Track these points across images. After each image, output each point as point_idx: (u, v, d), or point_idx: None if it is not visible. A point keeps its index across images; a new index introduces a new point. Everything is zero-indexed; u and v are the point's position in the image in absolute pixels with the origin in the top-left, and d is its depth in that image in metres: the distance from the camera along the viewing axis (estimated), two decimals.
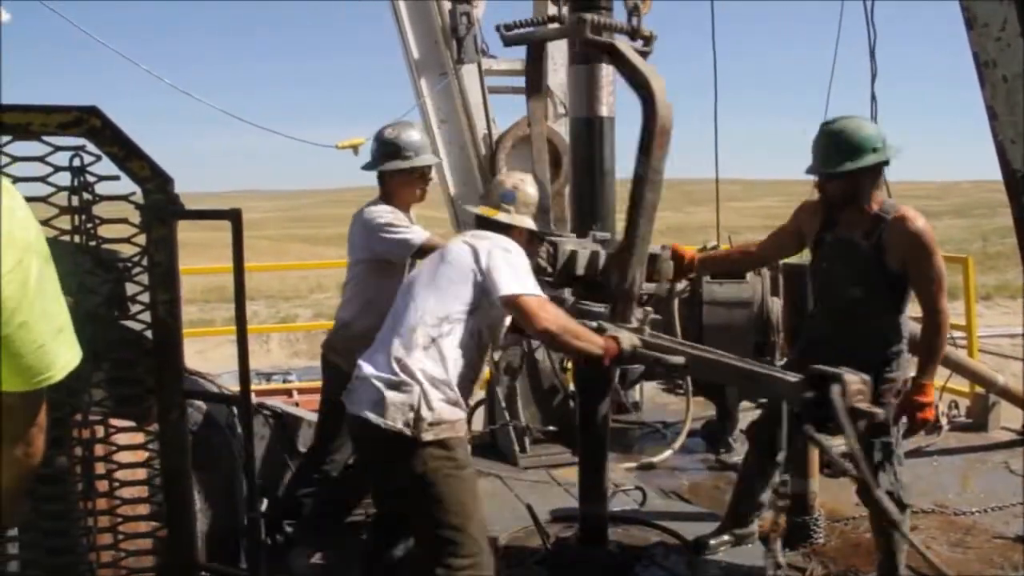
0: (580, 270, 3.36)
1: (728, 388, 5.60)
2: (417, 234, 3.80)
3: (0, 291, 1.34)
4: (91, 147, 2.08)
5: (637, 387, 6.41)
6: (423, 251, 3.78)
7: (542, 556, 3.75)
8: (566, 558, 3.72)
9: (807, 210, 3.76)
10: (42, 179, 2.07)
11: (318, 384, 4.57)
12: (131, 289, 2.21)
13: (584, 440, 3.73)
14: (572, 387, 5.02)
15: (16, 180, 1.99)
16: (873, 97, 4.59)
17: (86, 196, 2.13)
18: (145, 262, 2.15)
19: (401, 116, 5.51)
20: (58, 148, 2.07)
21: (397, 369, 2.82)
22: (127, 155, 2.07)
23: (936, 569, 3.05)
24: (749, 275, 5.19)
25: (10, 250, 1.35)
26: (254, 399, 5.30)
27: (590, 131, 3.57)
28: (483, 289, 2.90)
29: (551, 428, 5.61)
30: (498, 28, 3.92)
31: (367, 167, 4.01)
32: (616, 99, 3.64)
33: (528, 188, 3.23)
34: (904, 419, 3.57)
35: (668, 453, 5.48)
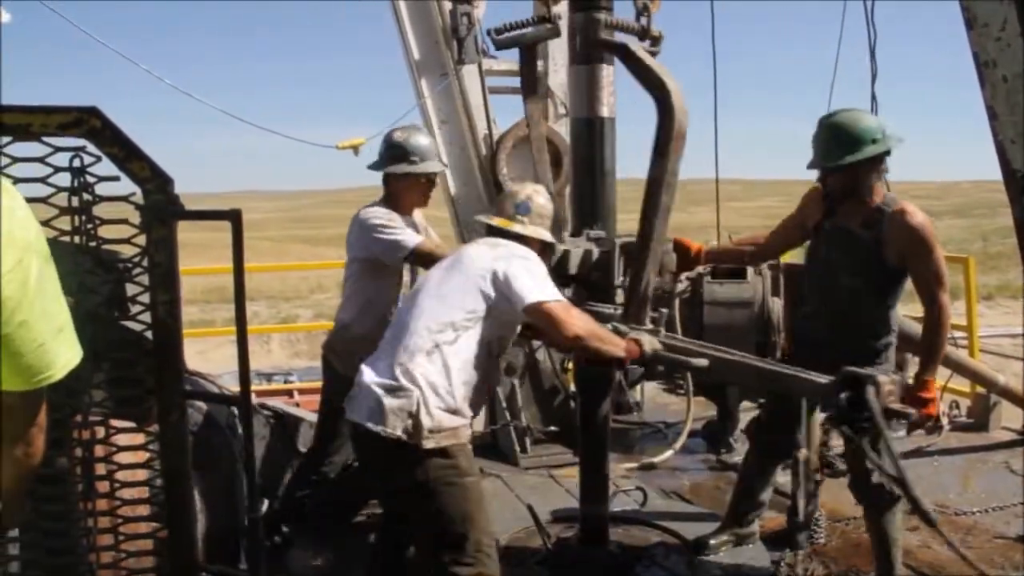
0: (573, 269, 3.37)
1: (729, 388, 5.60)
2: (410, 237, 3.80)
3: (0, 290, 1.34)
4: (91, 148, 2.08)
5: (638, 387, 6.41)
6: (416, 255, 3.78)
7: (543, 556, 3.75)
8: (567, 558, 3.73)
9: (813, 198, 3.76)
10: (42, 180, 2.07)
11: (319, 384, 4.58)
12: (131, 290, 2.20)
13: (585, 440, 3.73)
14: (573, 387, 5.02)
15: (16, 181, 1.99)
16: (873, 97, 4.59)
17: (86, 197, 2.13)
18: (145, 263, 2.15)
19: (402, 116, 5.53)
20: (58, 149, 2.06)
21: (398, 374, 2.80)
22: (127, 156, 2.06)
23: (971, 565, 3.06)
24: (750, 275, 5.19)
25: (10, 250, 1.36)
26: (255, 400, 5.33)
27: (591, 131, 3.57)
28: (498, 298, 2.86)
29: (552, 428, 5.62)
30: (489, 32, 3.93)
31: (373, 166, 4.02)
32: (616, 99, 3.64)
33: (542, 199, 3.21)
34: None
35: (669, 453, 5.48)
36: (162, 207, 2.10)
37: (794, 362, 3.36)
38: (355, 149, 5.61)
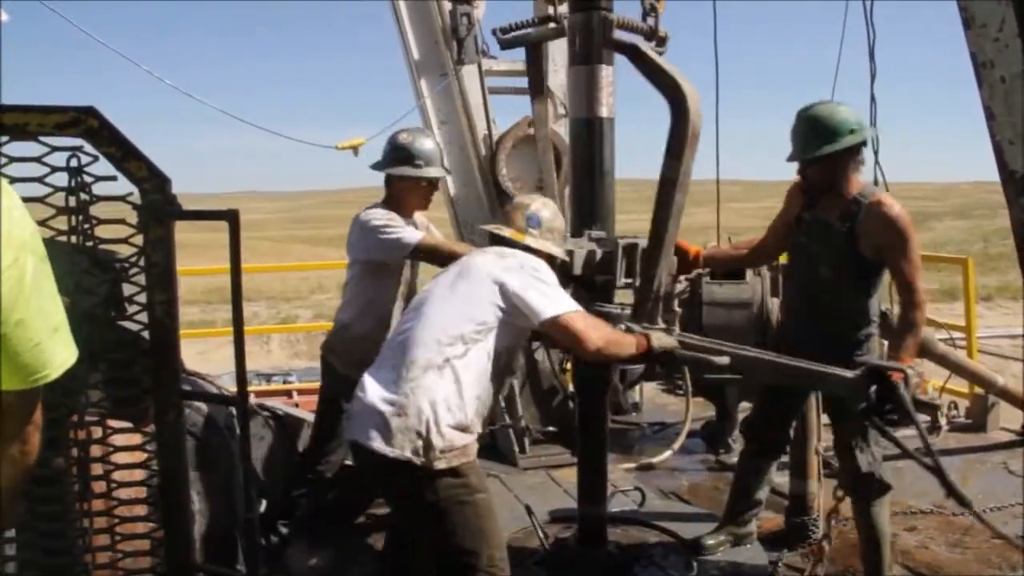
0: (577, 270, 3.37)
1: (727, 388, 5.61)
2: (411, 235, 3.81)
3: None
4: (88, 147, 2.08)
5: (637, 388, 6.41)
6: (418, 252, 3.80)
7: (541, 557, 3.75)
8: (565, 559, 3.73)
9: (795, 193, 3.81)
10: (39, 179, 2.07)
11: (318, 385, 4.58)
12: (128, 289, 2.20)
13: (583, 441, 3.73)
14: (571, 388, 5.02)
15: (13, 180, 1.99)
16: (872, 98, 4.58)
17: (83, 196, 2.13)
18: (142, 262, 2.15)
19: (401, 117, 5.54)
20: (55, 148, 2.06)
21: (406, 391, 2.67)
22: (124, 155, 2.06)
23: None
24: (749, 276, 5.19)
25: (6, 248, 1.36)
26: (254, 400, 5.33)
27: (590, 132, 3.57)
28: (510, 310, 2.78)
29: (551, 429, 5.62)
30: (494, 32, 3.93)
31: (376, 166, 4.02)
32: (616, 100, 3.64)
33: (550, 213, 3.16)
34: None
35: (667, 454, 5.48)
36: (159, 207, 2.10)
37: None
38: (355, 149, 5.61)
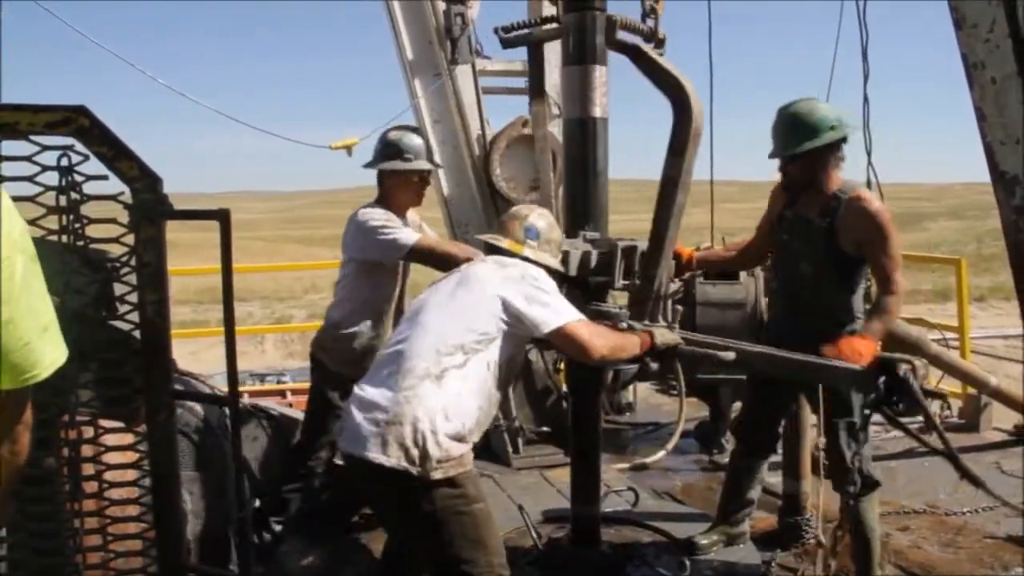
0: (572, 271, 3.37)
1: (721, 389, 5.61)
2: (407, 236, 3.82)
3: None
4: (79, 147, 2.07)
5: (630, 388, 6.42)
6: (414, 253, 3.81)
7: (534, 557, 3.75)
8: (558, 559, 3.72)
9: (778, 192, 3.85)
10: (29, 179, 2.06)
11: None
12: (119, 289, 2.20)
13: (576, 441, 3.73)
14: (565, 388, 5.02)
15: (3, 179, 1.99)
16: (866, 99, 4.58)
17: (74, 196, 2.12)
18: (133, 262, 2.14)
19: (395, 117, 5.52)
20: (46, 147, 2.05)
21: (402, 400, 2.63)
22: (115, 155, 2.06)
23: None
24: (742, 276, 5.21)
25: None
26: (248, 400, 5.32)
27: (583, 132, 3.57)
28: (511, 321, 2.76)
29: (544, 429, 5.62)
30: (496, 31, 3.94)
31: (367, 165, 4.06)
32: (609, 100, 3.64)
33: (547, 224, 3.16)
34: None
35: (661, 454, 5.49)
36: (150, 206, 2.10)
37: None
38: (349, 149, 5.60)
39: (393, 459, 2.57)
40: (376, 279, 3.94)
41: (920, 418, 3.17)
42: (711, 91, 5.76)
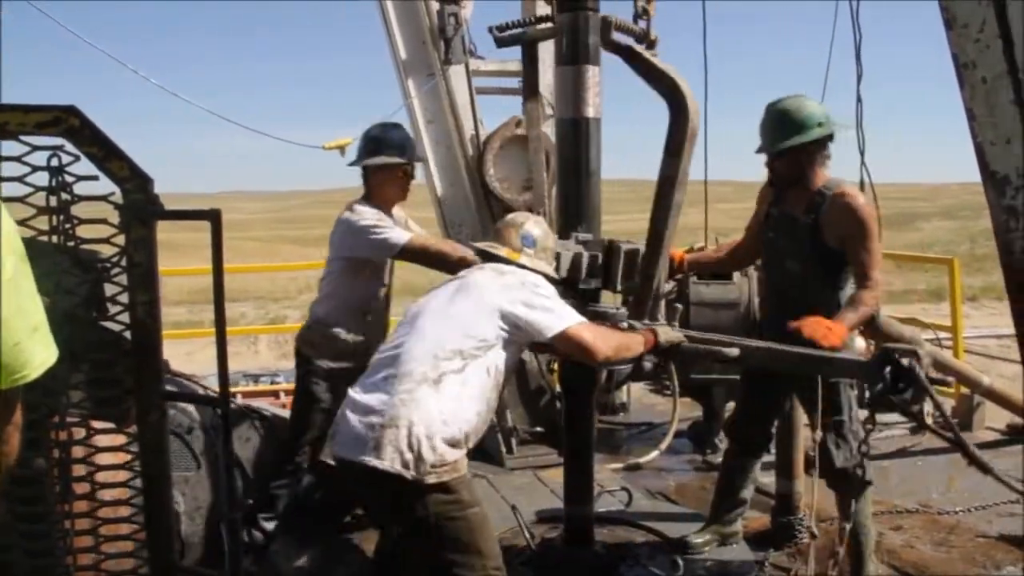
0: (563, 272, 3.37)
1: (715, 388, 5.62)
2: (400, 235, 3.83)
3: None
4: (70, 147, 2.07)
5: (624, 388, 6.42)
6: (406, 251, 3.82)
7: (528, 557, 3.74)
8: (551, 559, 3.72)
9: (765, 193, 3.87)
10: (20, 179, 2.06)
11: None
12: (110, 290, 2.19)
13: (570, 441, 3.73)
14: (558, 388, 5.02)
15: None
16: (859, 99, 4.59)
17: (64, 196, 2.12)
18: (124, 263, 2.14)
19: (389, 116, 5.51)
20: (36, 148, 2.06)
21: (397, 402, 2.62)
22: (106, 155, 2.05)
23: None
24: (736, 276, 5.21)
25: None
26: (241, 401, 5.30)
27: (576, 132, 3.57)
28: (510, 328, 2.78)
29: (538, 429, 5.62)
30: (491, 29, 3.94)
31: (352, 163, 4.10)
32: (602, 100, 3.64)
33: (542, 232, 3.17)
34: (854, 396, 3.67)
35: (655, 454, 5.49)
36: (141, 207, 2.10)
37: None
38: (342, 149, 5.59)
39: (387, 462, 2.56)
40: (362, 277, 3.96)
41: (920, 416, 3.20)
42: (706, 91, 5.77)
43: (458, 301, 2.85)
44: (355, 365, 3.95)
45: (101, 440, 2.28)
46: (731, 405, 5.59)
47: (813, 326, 3.27)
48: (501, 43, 3.99)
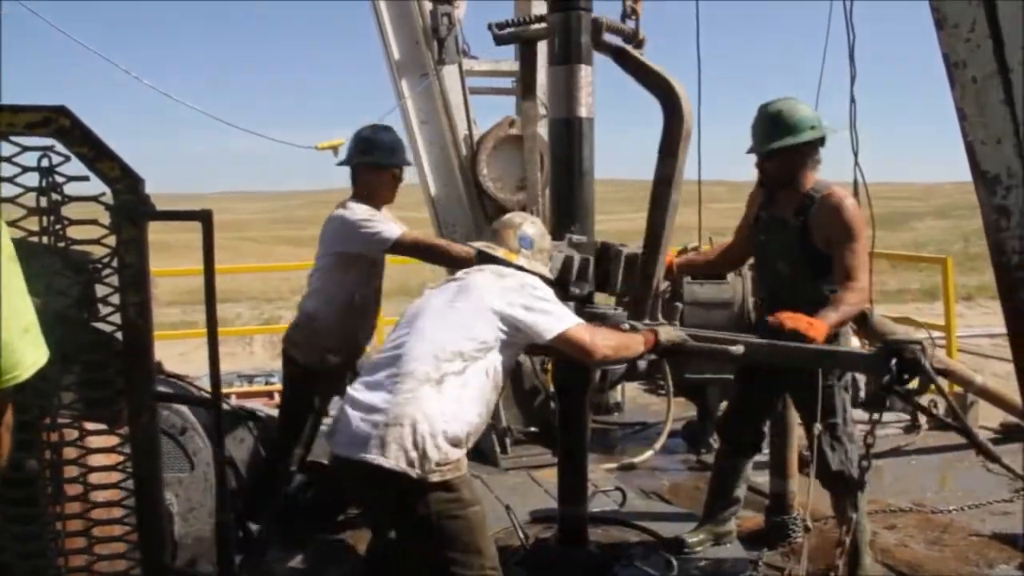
0: (553, 274, 3.38)
1: (709, 388, 5.63)
2: (392, 229, 3.84)
3: None
4: (60, 147, 2.07)
5: (618, 388, 6.42)
6: (399, 246, 3.83)
7: (522, 557, 3.74)
8: (545, 559, 3.72)
9: (755, 196, 3.89)
10: (9, 180, 2.05)
11: None
12: (101, 291, 2.19)
13: (564, 441, 3.73)
14: (553, 388, 5.02)
15: None
16: (852, 99, 4.60)
17: (55, 197, 2.11)
18: (115, 263, 2.13)
19: (383, 117, 5.52)
20: (26, 148, 2.05)
21: (401, 401, 2.63)
22: (97, 155, 2.05)
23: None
24: (730, 276, 5.22)
25: None
26: (236, 402, 5.30)
27: (569, 132, 3.57)
28: (510, 331, 2.81)
29: (532, 429, 5.62)
30: (490, 26, 3.94)
31: (342, 162, 4.13)
32: (595, 100, 3.64)
33: (539, 233, 3.19)
34: (848, 398, 3.66)
35: (649, 454, 5.50)
36: (132, 207, 2.09)
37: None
38: (335, 149, 5.58)
39: (392, 460, 2.57)
40: (352, 273, 3.95)
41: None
42: (699, 91, 5.77)
43: (459, 303, 2.87)
44: (341, 364, 3.95)
45: (93, 441, 2.28)
46: (725, 405, 5.62)
47: (795, 318, 3.27)
48: (500, 40, 3.99)
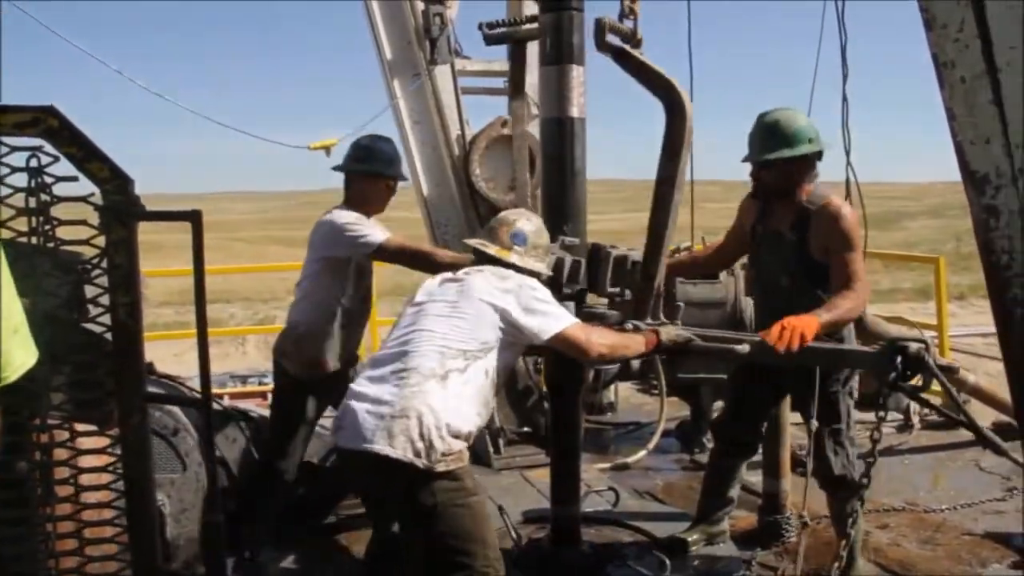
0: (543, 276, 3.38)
1: (702, 388, 5.63)
2: (378, 234, 3.83)
3: None
4: (49, 148, 2.06)
5: (612, 388, 6.42)
6: (383, 250, 3.81)
7: (514, 557, 3.74)
8: (538, 559, 3.72)
9: (746, 206, 3.87)
10: None
11: None
12: (90, 291, 2.18)
13: (557, 441, 3.73)
14: (546, 388, 5.02)
15: None
16: (844, 98, 4.61)
17: (44, 197, 2.10)
18: (105, 264, 2.13)
19: (374, 117, 5.52)
20: (14, 148, 2.04)
21: (408, 394, 2.70)
22: (86, 156, 2.04)
23: None
24: (723, 276, 5.23)
25: None
26: (229, 402, 5.28)
27: (561, 132, 3.57)
28: (511, 332, 2.88)
29: (525, 429, 5.62)
30: (480, 26, 3.94)
31: (337, 168, 4.08)
32: (587, 100, 3.64)
33: (535, 229, 3.21)
34: (853, 402, 3.67)
35: (642, 453, 5.49)
36: (121, 208, 2.08)
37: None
38: (327, 150, 5.57)
39: (399, 451, 2.63)
40: (340, 279, 3.93)
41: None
42: (691, 90, 5.77)
43: (460, 305, 2.93)
44: (332, 374, 3.92)
45: (83, 443, 2.27)
46: (719, 404, 5.63)
47: (772, 332, 3.22)
48: (490, 40, 3.99)
